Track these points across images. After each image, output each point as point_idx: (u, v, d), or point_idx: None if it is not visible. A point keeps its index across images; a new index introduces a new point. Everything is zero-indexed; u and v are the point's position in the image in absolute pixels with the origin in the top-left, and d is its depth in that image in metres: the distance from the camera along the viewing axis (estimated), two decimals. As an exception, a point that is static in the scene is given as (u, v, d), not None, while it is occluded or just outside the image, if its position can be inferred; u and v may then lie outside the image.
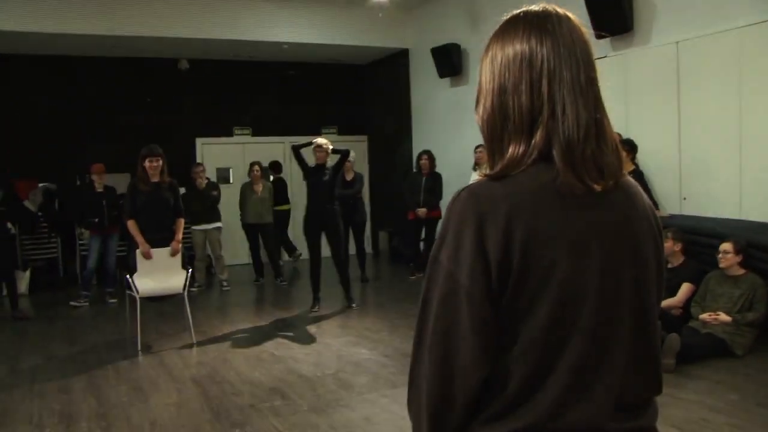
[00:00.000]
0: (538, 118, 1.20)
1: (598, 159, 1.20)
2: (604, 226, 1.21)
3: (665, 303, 5.78)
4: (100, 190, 8.70)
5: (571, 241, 1.17)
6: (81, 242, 10.08)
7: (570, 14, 1.26)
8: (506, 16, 1.28)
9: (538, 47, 1.21)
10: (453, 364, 1.18)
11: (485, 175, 1.23)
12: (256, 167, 9.88)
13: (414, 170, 9.92)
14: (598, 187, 1.19)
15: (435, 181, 9.49)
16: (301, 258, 10.32)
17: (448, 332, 1.18)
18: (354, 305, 8.04)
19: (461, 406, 1.19)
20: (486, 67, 1.27)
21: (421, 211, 9.38)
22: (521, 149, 1.21)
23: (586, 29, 1.26)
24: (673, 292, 5.85)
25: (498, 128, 1.25)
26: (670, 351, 5.10)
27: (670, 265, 6.00)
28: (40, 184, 10.43)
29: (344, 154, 7.89)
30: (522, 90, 1.21)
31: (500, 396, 1.20)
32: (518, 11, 1.27)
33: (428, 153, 9.66)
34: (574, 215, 1.18)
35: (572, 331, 1.17)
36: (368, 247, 11.78)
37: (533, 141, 1.20)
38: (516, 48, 1.22)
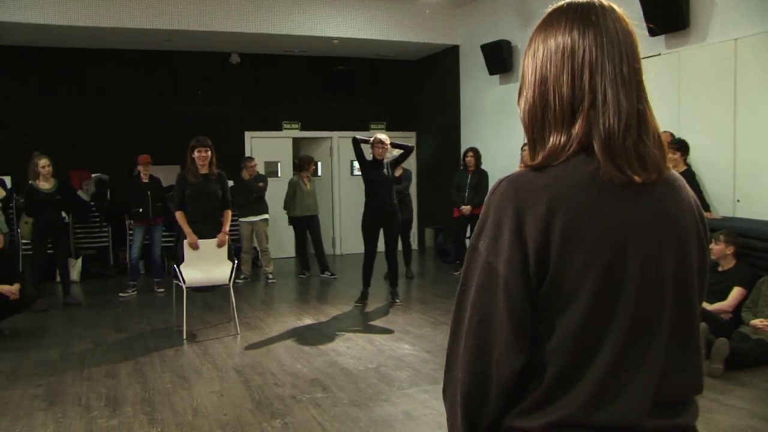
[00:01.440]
0: (579, 109, 1.18)
1: (639, 150, 1.18)
2: (646, 219, 1.19)
3: (715, 306, 5.65)
4: (145, 180, 8.85)
5: (610, 234, 1.15)
6: (131, 232, 10.28)
7: (615, 5, 1.24)
8: (550, 8, 1.27)
9: (580, 39, 1.20)
10: (489, 353, 1.17)
11: (526, 166, 1.22)
12: (313, 163, 10.00)
13: (460, 167, 9.87)
14: (638, 179, 1.16)
15: (480, 178, 9.45)
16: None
17: (485, 321, 1.18)
18: (398, 301, 8.04)
19: (496, 395, 1.19)
20: (528, 59, 1.27)
21: (466, 209, 9.36)
22: (562, 140, 1.19)
23: (631, 20, 1.24)
24: (723, 296, 5.71)
25: (539, 119, 1.24)
26: (719, 356, 4.98)
27: (720, 269, 5.86)
28: (93, 175, 10.68)
29: (408, 150, 7.86)
30: (563, 81, 1.20)
31: (537, 388, 1.19)
32: (562, 3, 1.26)
33: (474, 150, 9.61)
34: (615, 207, 1.16)
35: (610, 325, 1.16)
36: (414, 244, 11.76)
37: (573, 131, 1.18)
38: (558, 40, 1.21)
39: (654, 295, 1.18)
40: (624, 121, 1.17)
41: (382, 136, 7.76)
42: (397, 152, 8.05)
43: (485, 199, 1.22)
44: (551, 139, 1.21)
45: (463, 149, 11.33)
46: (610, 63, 1.18)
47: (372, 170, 7.71)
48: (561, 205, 1.14)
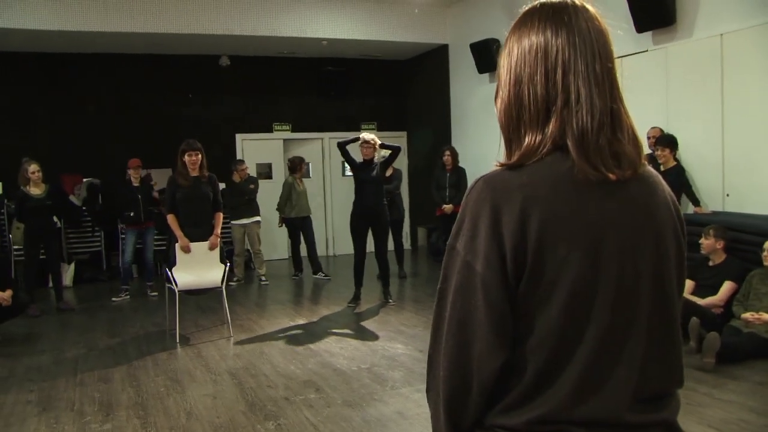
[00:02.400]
0: (553, 108, 1.20)
1: (614, 147, 1.19)
2: (622, 216, 1.20)
3: (706, 301, 5.68)
4: (136, 184, 8.84)
5: (586, 231, 1.16)
6: (123, 236, 10.26)
7: (588, 5, 1.25)
8: (524, 8, 1.28)
9: (553, 38, 1.21)
10: (470, 352, 1.19)
11: (501, 165, 1.23)
12: (304, 163, 9.99)
13: (438, 167, 9.89)
14: (613, 176, 1.18)
15: (459, 176, 9.53)
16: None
17: (465, 320, 1.19)
18: (391, 301, 8.07)
19: (478, 393, 1.20)
20: (503, 60, 1.29)
21: (447, 208, 9.42)
22: (537, 139, 1.21)
23: (604, 19, 1.25)
24: (714, 290, 5.74)
25: (514, 118, 1.25)
26: (710, 350, 5.01)
27: (711, 263, 5.89)
28: (85, 179, 10.67)
29: (395, 150, 7.86)
30: (537, 81, 1.21)
31: (517, 385, 1.20)
32: (536, 3, 1.28)
33: (451, 149, 9.70)
34: (590, 204, 1.18)
35: (589, 320, 1.17)
36: (407, 243, 11.77)
37: (548, 130, 1.20)
38: (531, 40, 1.23)
39: (631, 291, 1.20)
40: (597, 120, 1.18)
41: (368, 135, 7.76)
42: (386, 153, 8.05)
43: (463, 198, 1.23)
44: (526, 139, 1.22)
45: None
46: (582, 62, 1.19)
47: (361, 171, 7.74)
48: (536, 203, 1.15)
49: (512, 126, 1.26)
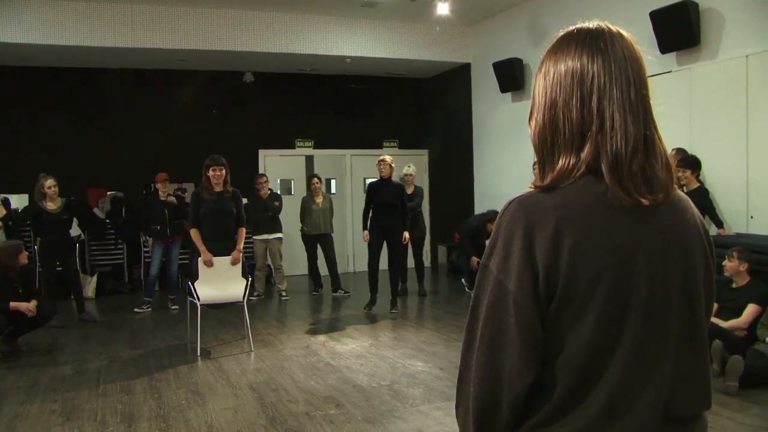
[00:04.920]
0: (587, 133, 1.22)
1: (646, 173, 1.21)
2: (653, 240, 1.22)
3: (730, 324, 5.62)
4: (164, 198, 8.93)
5: (618, 253, 1.19)
6: (145, 249, 10.37)
7: (623, 31, 1.28)
8: (560, 33, 1.31)
9: (589, 64, 1.23)
10: (500, 369, 1.20)
11: (535, 187, 1.26)
12: (316, 180, 10.00)
13: None
14: (646, 201, 1.20)
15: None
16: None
17: (496, 338, 1.21)
18: (395, 310, 8.51)
19: (508, 411, 1.21)
20: (539, 83, 1.31)
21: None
22: (571, 162, 1.23)
23: (639, 46, 1.28)
24: (738, 313, 5.68)
25: (548, 142, 1.27)
26: (733, 373, 4.96)
27: (735, 285, 5.84)
28: (109, 192, 10.79)
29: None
30: (572, 105, 1.24)
31: (547, 403, 1.21)
32: (572, 28, 1.30)
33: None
34: (622, 228, 1.20)
35: (619, 340, 1.19)
36: (426, 261, 11.77)
37: (582, 155, 1.22)
38: (568, 64, 1.25)
39: (661, 312, 1.21)
40: (631, 146, 1.20)
41: (385, 157, 8.55)
42: (409, 170, 8.97)
43: (496, 219, 1.26)
44: (560, 161, 1.25)
45: (475, 167, 11.41)
46: (617, 89, 1.22)
47: (376, 195, 8.46)
48: (570, 225, 1.17)
49: (546, 149, 1.28)
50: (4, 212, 9.06)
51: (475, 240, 9.41)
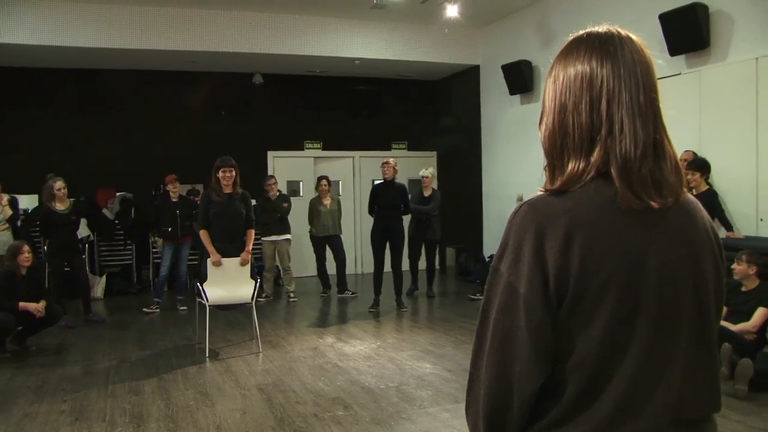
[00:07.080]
0: (597, 137, 1.23)
1: (656, 176, 1.22)
2: (663, 243, 1.22)
3: (739, 327, 5.60)
4: (174, 199, 8.97)
5: (628, 256, 1.19)
6: (154, 250, 10.40)
7: (633, 36, 1.28)
8: (570, 37, 1.31)
9: (598, 68, 1.24)
10: (510, 371, 1.20)
11: (545, 190, 1.26)
12: (324, 182, 10.00)
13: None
14: (655, 204, 1.20)
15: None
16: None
17: (506, 339, 1.21)
18: (404, 308, 8.83)
19: (518, 412, 1.22)
20: (549, 86, 1.31)
21: None
22: (581, 166, 1.23)
23: (649, 50, 1.28)
24: (747, 317, 5.65)
25: (558, 145, 1.28)
26: (743, 377, 4.94)
27: (744, 289, 5.81)
28: (118, 193, 10.83)
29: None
30: (582, 109, 1.24)
31: (557, 405, 1.21)
32: (582, 32, 1.30)
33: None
34: (633, 231, 1.20)
35: (629, 342, 1.19)
36: (435, 263, 11.75)
37: (592, 158, 1.22)
38: (577, 69, 1.26)
39: (671, 315, 1.22)
40: (641, 149, 1.20)
41: (389, 159, 8.92)
42: (427, 172, 9.50)
43: (507, 222, 1.26)
44: (570, 165, 1.25)
45: (484, 169, 11.39)
46: (627, 93, 1.22)
47: (379, 198, 8.80)
48: (581, 228, 1.18)
49: (556, 152, 1.28)
50: (11, 213, 9.10)
51: None
